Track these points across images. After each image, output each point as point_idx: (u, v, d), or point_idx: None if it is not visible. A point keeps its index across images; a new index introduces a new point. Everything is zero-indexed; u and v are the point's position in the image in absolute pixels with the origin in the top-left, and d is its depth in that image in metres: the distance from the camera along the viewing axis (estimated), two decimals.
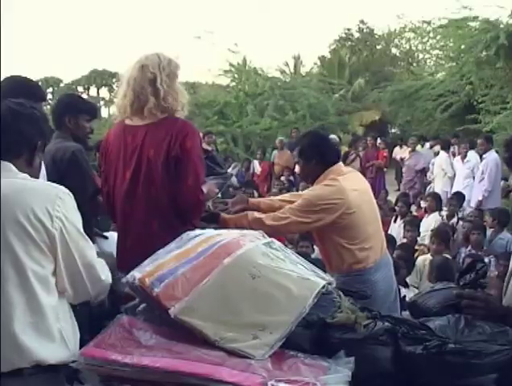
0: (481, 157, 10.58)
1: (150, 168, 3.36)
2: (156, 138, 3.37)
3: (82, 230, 2.40)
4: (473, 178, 10.79)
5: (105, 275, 2.50)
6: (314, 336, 2.35)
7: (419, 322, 2.53)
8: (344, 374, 2.12)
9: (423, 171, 13.90)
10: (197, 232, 2.74)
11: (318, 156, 4.07)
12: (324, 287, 2.49)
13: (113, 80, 48.80)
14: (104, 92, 49.80)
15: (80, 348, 2.26)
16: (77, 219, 2.40)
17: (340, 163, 4.15)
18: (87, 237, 2.43)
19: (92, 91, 49.65)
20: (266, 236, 2.77)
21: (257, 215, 3.88)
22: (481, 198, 9.97)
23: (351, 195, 3.89)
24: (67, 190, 2.39)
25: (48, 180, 3.28)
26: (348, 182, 3.98)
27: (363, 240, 3.97)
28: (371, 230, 4.04)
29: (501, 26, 15.78)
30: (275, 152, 15.29)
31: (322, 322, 2.37)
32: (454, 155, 12.66)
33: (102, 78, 49.26)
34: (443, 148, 13.26)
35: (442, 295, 2.76)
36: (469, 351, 2.32)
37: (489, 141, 10.53)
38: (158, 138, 3.36)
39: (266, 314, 2.30)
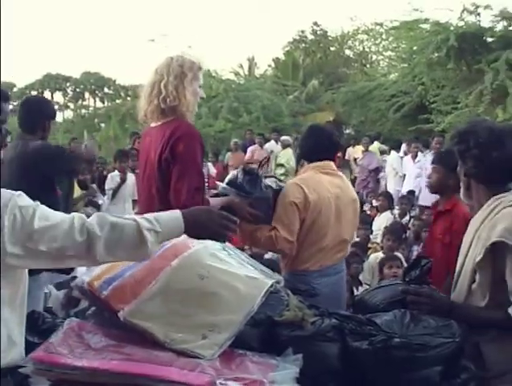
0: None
1: (150, 169, 3.53)
2: (155, 141, 3.50)
3: None
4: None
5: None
6: (262, 334, 2.37)
7: (366, 318, 2.57)
8: (292, 371, 2.15)
9: (377, 171, 14.07)
10: None
11: (306, 150, 4.19)
12: (272, 286, 2.52)
13: (68, 84, 48.29)
14: (58, 97, 49.23)
15: (30, 353, 2.25)
16: None
17: (327, 162, 4.13)
18: None
19: (46, 95, 48.99)
20: None
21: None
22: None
23: (310, 196, 3.92)
24: None
25: None
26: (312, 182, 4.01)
27: (311, 242, 3.99)
28: (323, 234, 4.01)
29: (451, 28, 16.13)
30: (229, 154, 15.35)
31: (270, 321, 2.39)
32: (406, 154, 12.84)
33: (56, 82, 48.68)
34: (393, 148, 13.47)
35: (388, 291, 2.82)
36: (414, 345, 2.38)
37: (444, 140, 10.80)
38: (157, 141, 3.48)
39: (214, 314, 2.32)
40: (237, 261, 2.58)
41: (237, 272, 2.48)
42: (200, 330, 2.27)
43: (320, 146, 4.17)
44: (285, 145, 15.03)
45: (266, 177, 3.98)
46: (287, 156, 14.79)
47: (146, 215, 2.22)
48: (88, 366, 2.08)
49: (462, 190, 2.85)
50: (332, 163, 4.18)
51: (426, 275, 2.83)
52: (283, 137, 15.35)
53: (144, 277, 2.33)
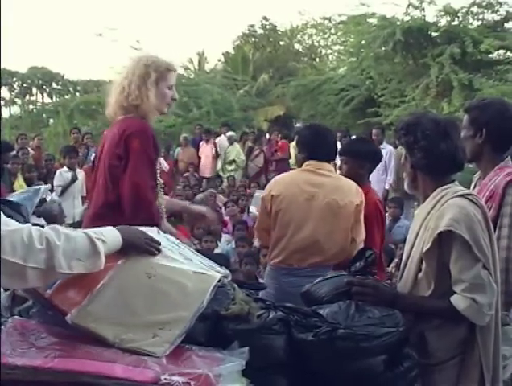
0: None
1: (103, 163, 3.55)
2: (111, 136, 3.54)
3: None
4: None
5: None
6: (209, 329, 2.38)
7: (311, 310, 2.60)
8: (238, 364, 2.17)
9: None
10: None
11: (307, 150, 4.23)
12: (219, 281, 2.52)
13: (14, 80, 47.32)
14: (4, 92, 48.19)
15: None
16: None
17: (321, 163, 4.20)
18: None
19: None
20: (160, 232, 2.78)
21: None
22: (387, 187, 10.31)
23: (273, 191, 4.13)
24: None
25: None
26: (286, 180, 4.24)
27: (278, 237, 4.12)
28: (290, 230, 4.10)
29: (398, 22, 16.32)
30: (179, 149, 15.28)
31: (216, 314, 2.40)
32: None
33: (2, 77, 47.64)
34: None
35: (333, 283, 2.84)
36: (358, 335, 2.43)
37: (383, 132, 10.93)
38: (112, 136, 3.52)
39: (164, 312, 2.30)
40: (184, 257, 2.57)
41: (184, 268, 2.46)
42: (150, 328, 2.25)
43: (323, 147, 4.26)
44: (232, 141, 15.04)
45: None
46: (236, 151, 14.83)
47: (88, 230, 2.30)
48: (29, 364, 2.05)
49: (407, 181, 2.89)
50: (327, 165, 4.25)
51: (370, 266, 2.87)
52: (230, 133, 15.28)
53: (90, 277, 2.28)
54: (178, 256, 2.54)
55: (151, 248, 2.45)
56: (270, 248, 4.18)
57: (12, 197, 3.50)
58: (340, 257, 3.96)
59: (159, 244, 2.50)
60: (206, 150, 14.88)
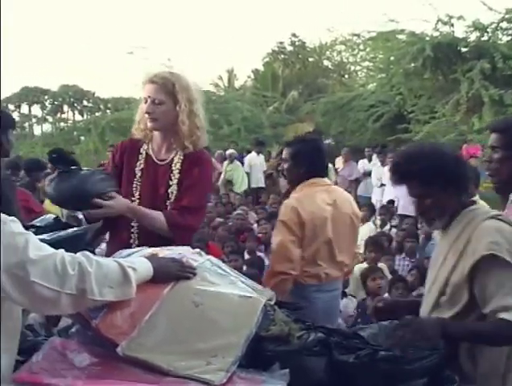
0: None
1: None
2: None
3: None
4: None
5: None
6: (249, 350, 2.36)
7: (352, 332, 2.57)
8: (279, 385, 2.15)
9: (357, 181, 14.10)
10: (130, 250, 2.73)
11: (308, 165, 4.12)
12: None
13: (46, 98, 47.98)
14: (36, 110, 48.92)
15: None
16: None
17: (322, 179, 4.19)
18: None
19: (24, 108, 48.72)
20: (203, 253, 2.78)
21: None
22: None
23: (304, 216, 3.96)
24: None
25: None
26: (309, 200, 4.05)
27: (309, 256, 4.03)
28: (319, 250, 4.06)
29: (427, 38, 16.28)
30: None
31: (256, 336, 2.38)
32: (383, 164, 12.80)
33: (34, 95, 48.34)
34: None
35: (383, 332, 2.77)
36: (400, 358, 2.38)
37: None
38: None
39: (214, 339, 2.28)
40: (229, 281, 2.57)
41: (229, 293, 2.46)
42: (202, 356, 2.23)
43: (320, 162, 4.21)
44: (232, 159, 15.13)
45: None
46: (239, 168, 15.03)
47: (118, 259, 2.34)
48: (72, 385, 2.06)
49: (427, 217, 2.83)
50: (327, 179, 4.25)
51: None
52: (230, 151, 15.42)
53: (137, 306, 2.29)
54: (220, 280, 2.54)
55: (185, 274, 2.47)
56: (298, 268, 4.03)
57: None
58: (350, 270, 4.10)
59: (193, 268, 2.51)
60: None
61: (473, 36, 16.39)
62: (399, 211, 10.55)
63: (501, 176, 2.98)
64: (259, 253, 7.87)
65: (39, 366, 2.17)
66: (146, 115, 3.41)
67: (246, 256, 7.56)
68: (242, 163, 15.10)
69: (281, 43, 30.44)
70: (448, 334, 2.53)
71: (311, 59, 29.60)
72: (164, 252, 2.67)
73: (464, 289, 2.59)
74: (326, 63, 29.50)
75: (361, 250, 7.65)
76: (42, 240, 2.14)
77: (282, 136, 22.62)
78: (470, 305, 2.58)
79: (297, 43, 30.01)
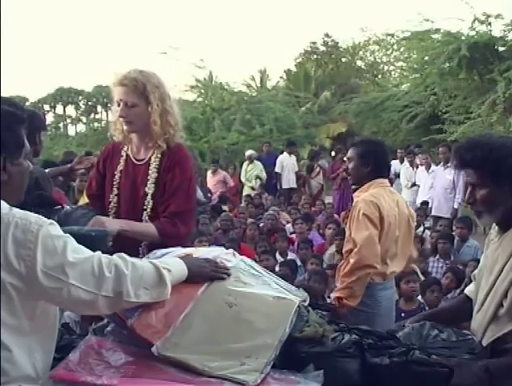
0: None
1: None
2: None
3: None
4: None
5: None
6: (283, 351, 2.36)
7: (387, 332, 2.56)
8: None
9: (390, 182, 13.95)
10: (164, 250, 2.74)
11: (374, 165, 4.26)
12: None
13: (80, 98, 48.47)
14: (70, 110, 49.41)
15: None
16: None
17: (386, 180, 4.38)
18: None
19: (59, 109, 49.23)
20: (236, 254, 2.79)
21: None
22: (456, 206, 10.11)
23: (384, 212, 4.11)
24: None
25: None
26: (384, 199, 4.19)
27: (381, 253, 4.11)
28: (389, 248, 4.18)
29: (463, 38, 16.08)
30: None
31: (290, 337, 2.38)
32: (412, 165, 12.68)
33: (68, 96, 48.83)
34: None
35: None
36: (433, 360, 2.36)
37: (450, 150, 10.66)
38: None
39: (248, 340, 2.29)
40: (262, 282, 2.57)
41: (263, 293, 2.47)
42: (236, 356, 2.23)
43: (384, 162, 4.41)
44: (252, 160, 15.15)
45: None
46: (258, 168, 15.01)
47: (153, 260, 2.35)
48: (107, 383, 2.08)
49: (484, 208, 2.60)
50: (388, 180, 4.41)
51: None
52: (250, 152, 15.47)
53: (172, 306, 2.31)
54: (254, 280, 2.55)
55: (219, 274, 2.49)
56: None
57: None
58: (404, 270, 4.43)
59: (227, 268, 2.53)
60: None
61: (511, 35, 16.15)
62: (433, 213, 10.47)
63: None
64: (290, 254, 7.88)
65: (75, 364, 2.20)
66: (121, 119, 3.40)
67: (277, 257, 7.57)
68: (275, 164, 15.06)
69: (314, 43, 30.43)
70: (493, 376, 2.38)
71: (344, 60, 29.53)
72: (198, 252, 2.69)
73: None
74: (359, 63, 29.43)
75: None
76: (70, 232, 2.17)
77: (314, 136, 22.61)
78: None
79: (330, 43, 29.95)
